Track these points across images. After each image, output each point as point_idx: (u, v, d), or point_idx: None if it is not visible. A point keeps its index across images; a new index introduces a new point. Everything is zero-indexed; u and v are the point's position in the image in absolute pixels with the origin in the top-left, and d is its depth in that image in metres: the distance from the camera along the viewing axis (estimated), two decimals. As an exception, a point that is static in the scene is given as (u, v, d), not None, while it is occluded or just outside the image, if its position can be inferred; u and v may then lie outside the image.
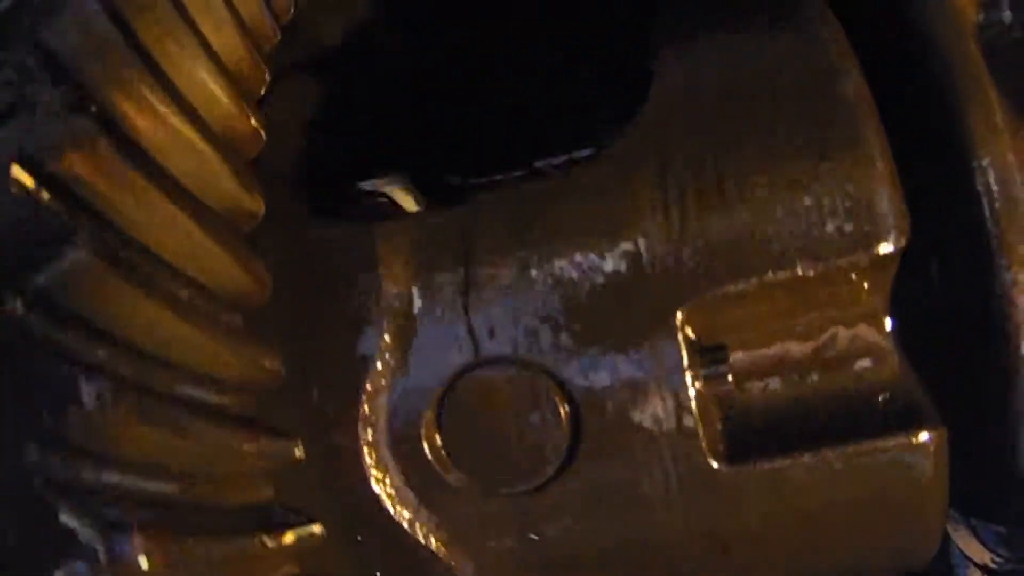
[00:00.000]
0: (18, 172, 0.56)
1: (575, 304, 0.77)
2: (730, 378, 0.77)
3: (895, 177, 0.77)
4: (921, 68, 0.84)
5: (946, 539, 0.90)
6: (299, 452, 0.69)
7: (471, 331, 0.78)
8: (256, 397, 0.68)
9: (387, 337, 0.79)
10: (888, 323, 0.80)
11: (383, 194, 0.96)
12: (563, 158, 1.07)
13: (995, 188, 0.80)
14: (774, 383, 0.79)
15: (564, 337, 0.77)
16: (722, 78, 0.82)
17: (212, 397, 0.64)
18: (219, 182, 0.64)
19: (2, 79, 0.64)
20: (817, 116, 0.77)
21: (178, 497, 0.62)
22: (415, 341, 0.79)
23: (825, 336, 0.79)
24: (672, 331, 0.76)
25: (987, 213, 0.80)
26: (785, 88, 0.79)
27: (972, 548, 0.90)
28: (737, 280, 0.76)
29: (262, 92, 0.69)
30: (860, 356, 0.79)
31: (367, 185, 0.96)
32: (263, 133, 0.68)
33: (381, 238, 0.82)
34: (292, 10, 0.73)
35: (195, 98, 0.63)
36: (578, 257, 0.78)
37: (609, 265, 0.77)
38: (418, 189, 1.00)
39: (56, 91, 0.57)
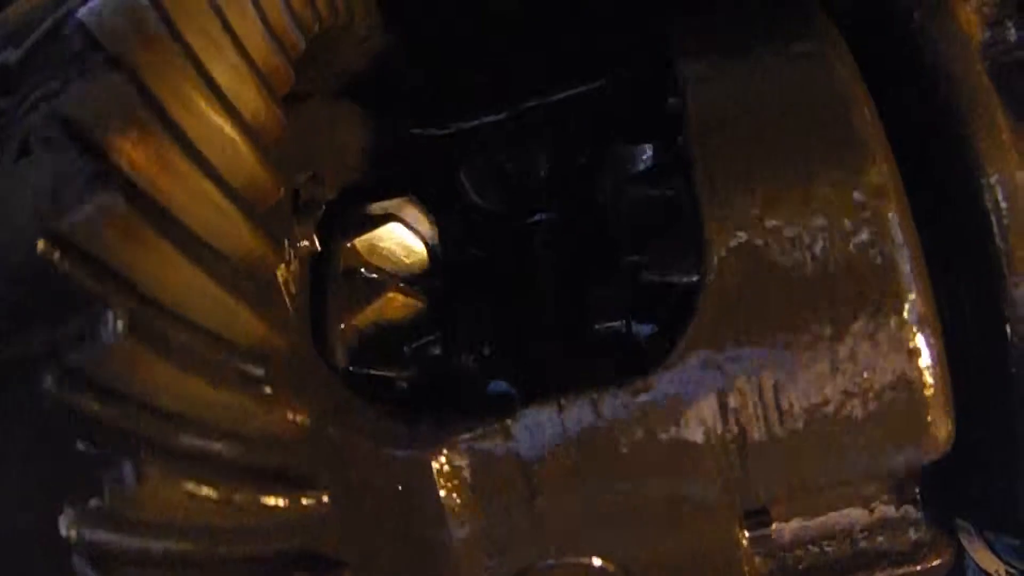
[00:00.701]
0: (45, 248, 0.56)
1: (634, 512, 0.81)
2: (772, 534, 0.85)
3: (948, 388, 0.78)
4: (928, 87, 0.84)
5: (961, 551, 0.91)
6: (326, 500, 0.69)
7: (537, 532, 0.81)
8: (282, 448, 0.67)
9: (453, 531, 0.80)
10: (917, 490, 0.88)
11: (394, 216, 0.96)
12: (545, 100, 1.07)
13: (1003, 205, 0.80)
14: (811, 545, 0.89)
15: (624, 533, 0.82)
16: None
17: (237, 452, 0.64)
18: (239, 237, 0.64)
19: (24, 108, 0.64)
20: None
21: (209, 553, 0.62)
22: (483, 539, 0.81)
23: (861, 512, 0.88)
24: (728, 518, 0.82)
25: (996, 230, 0.81)
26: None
27: (986, 560, 0.91)
28: (783, 493, 0.82)
29: (278, 136, 0.68)
30: (891, 526, 0.88)
31: (376, 208, 0.96)
32: (280, 187, 0.67)
33: (436, 462, 0.80)
34: (303, 45, 0.72)
35: (217, 157, 0.62)
36: (635, 476, 0.80)
37: (666, 487, 0.80)
38: (421, 203, 0.99)
39: (78, 161, 0.56)
